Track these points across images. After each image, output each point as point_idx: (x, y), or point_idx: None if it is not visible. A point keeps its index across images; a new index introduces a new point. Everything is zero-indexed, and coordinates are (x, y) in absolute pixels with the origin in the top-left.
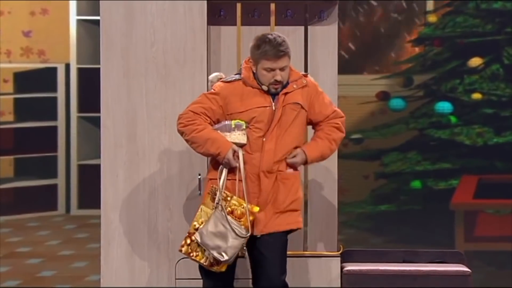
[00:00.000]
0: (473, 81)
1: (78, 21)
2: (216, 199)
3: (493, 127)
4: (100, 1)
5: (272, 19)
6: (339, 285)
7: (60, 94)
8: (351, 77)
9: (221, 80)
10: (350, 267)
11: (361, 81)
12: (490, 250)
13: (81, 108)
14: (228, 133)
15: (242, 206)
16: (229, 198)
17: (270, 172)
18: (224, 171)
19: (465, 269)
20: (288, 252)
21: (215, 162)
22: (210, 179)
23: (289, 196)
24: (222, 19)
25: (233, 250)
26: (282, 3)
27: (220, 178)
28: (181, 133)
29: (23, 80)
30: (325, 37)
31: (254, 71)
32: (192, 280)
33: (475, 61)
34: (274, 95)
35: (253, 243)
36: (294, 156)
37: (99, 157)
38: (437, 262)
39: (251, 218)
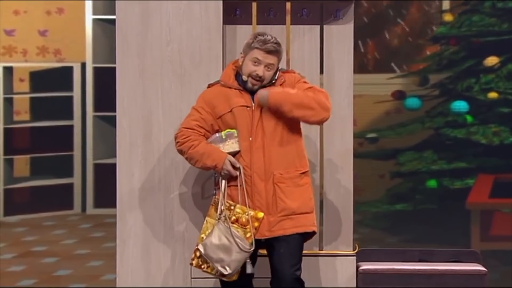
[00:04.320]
0: (489, 80)
1: (94, 20)
2: (219, 210)
3: (509, 126)
4: (116, 1)
5: (288, 18)
6: (355, 285)
7: (76, 93)
8: (366, 76)
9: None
10: (366, 266)
11: (377, 80)
12: (506, 249)
13: (97, 108)
14: (221, 145)
15: (247, 214)
16: (232, 207)
17: (264, 174)
18: (224, 182)
19: (481, 268)
20: (303, 252)
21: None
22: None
23: (291, 199)
24: (237, 18)
25: (236, 264)
26: (298, 2)
27: (220, 189)
28: (181, 152)
29: (39, 79)
30: (341, 36)
31: (241, 63)
32: (208, 280)
33: (491, 60)
34: (253, 95)
35: (266, 245)
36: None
37: (115, 156)
38: (453, 262)
39: (256, 224)
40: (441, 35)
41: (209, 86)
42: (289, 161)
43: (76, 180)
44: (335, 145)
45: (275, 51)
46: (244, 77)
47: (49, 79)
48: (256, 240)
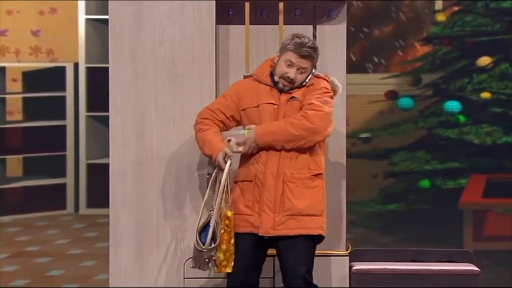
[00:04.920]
0: (482, 80)
1: (87, 20)
2: (216, 201)
3: (502, 126)
4: (109, 1)
5: (281, 18)
6: (348, 285)
7: (69, 93)
8: (360, 76)
9: None
10: (359, 266)
11: (370, 80)
12: (499, 249)
13: (89, 107)
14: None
15: (221, 210)
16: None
17: (277, 172)
18: (225, 174)
19: (474, 268)
20: None
21: (241, 165)
22: (235, 181)
23: (299, 199)
24: (230, 18)
25: (195, 258)
26: (290, 2)
27: (221, 182)
28: (194, 130)
29: (32, 79)
30: (334, 36)
31: (276, 62)
32: (201, 280)
33: (484, 60)
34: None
35: (273, 246)
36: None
37: (108, 156)
38: (446, 261)
39: (226, 222)
40: (434, 35)
41: (245, 77)
42: (303, 162)
43: (69, 180)
44: (328, 145)
45: (309, 56)
46: (276, 78)
47: (42, 79)
48: (259, 237)
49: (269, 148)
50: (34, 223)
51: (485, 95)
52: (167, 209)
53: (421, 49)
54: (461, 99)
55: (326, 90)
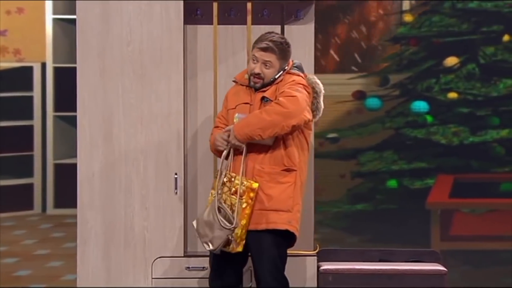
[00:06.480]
0: (449, 81)
1: (54, 20)
2: (219, 182)
3: (469, 126)
4: (76, 0)
5: (249, 18)
6: (316, 285)
7: (36, 93)
8: (327, 76)
9: None
10: (327, 266)
11: (338, 81)
12: (466, 249)
13: (57, 108)
14: None
15: (243, 184)
16: (233, 179)
17: (246, 168)
18: (224, 155)
19: (441, 268)
20: None
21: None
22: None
23: (268, 193)
24: (198, 18)
25: (218, 241)
26: (258, 2)
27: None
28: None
29: None
30: (302, 36)
31: None
32: (168, 280)
33: (451, 61)
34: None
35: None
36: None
37: (75, 157)
38: (413, 261)
39: (251, 194)
40: (401, 36)
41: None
42: (275, 158)
43: (36, 180)
44: None
45: (269, 48)
46: (246, 76)
47: (9, 79)
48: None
49: (247, 141)
50: (1, 223)
51: (452, 95)
52: (135, 209)
53: (388, 50)
54: (428, 99)
55: (297, 82)
